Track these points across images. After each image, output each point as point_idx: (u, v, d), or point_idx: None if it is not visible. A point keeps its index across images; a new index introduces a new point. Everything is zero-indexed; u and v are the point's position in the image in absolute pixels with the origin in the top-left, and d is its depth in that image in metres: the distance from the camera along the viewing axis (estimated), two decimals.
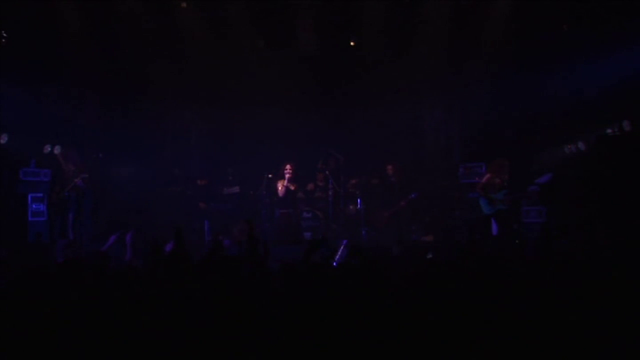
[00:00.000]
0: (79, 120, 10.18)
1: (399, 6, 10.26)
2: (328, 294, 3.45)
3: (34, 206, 9.41)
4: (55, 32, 9.68)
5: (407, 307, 3.29)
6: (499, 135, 10.51)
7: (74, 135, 9.92)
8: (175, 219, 9.57)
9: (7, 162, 9.12)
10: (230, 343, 3.03)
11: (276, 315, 3.21)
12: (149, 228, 9.16)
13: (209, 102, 11.79)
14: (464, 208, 10.35)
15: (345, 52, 11.11)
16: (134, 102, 10.96)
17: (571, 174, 9.47)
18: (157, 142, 11.35)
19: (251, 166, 11.00)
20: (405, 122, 11.46)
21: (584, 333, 3.03)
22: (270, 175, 10.31)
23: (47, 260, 7.30)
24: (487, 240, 8.89)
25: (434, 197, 10.94)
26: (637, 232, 7.36)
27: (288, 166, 9.74)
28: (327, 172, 10.51)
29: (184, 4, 10.27)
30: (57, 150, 9.67)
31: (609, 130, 8.90)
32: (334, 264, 6.13)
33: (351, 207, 10.51)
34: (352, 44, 11.08)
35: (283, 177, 9.82)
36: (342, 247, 7.62)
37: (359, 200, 10.33)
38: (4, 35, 9.11)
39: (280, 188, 9.78)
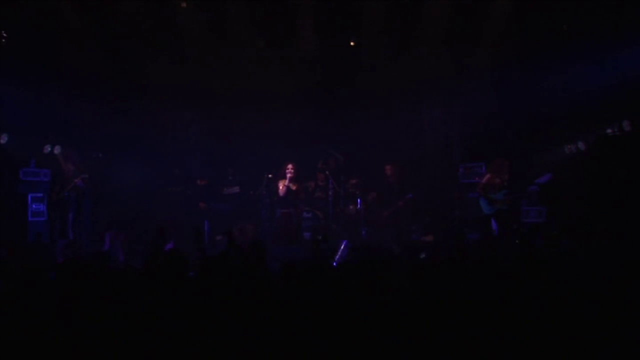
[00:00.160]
0: (79, 120, 10.18)
1: (399, 6, 10.25)
2: (328, 294, 3.45)
3: (34, 206, 9.41)
4: (55, 32, 9.67)
5: (407, 306, 3.29)
6: (499, 135, 10.51)
7: (74, 135, 9.92)
8: (175, 219, 9.58)
9: (7, 162, 9.12)
10: (230, 343, 3.03)
11: (276, 315, 3.21)
12: (148, 228, 9.17)
13: (209, 102, 11.79)
14: (464, 208, 10.35)
15: (345, 52, 11.10)
16: (134, 102, 10.95)
17: (571, 174, 9.47)
18: (157, 142, 11.35)
19: (251, 166, 10.99)
20: (405, 122, 11.44)
21: (584, 333, 3.03)
22: (270, 175, 10.31)
23: (47, 260, 7.29)
24: (487, 240, 8.89)
25: (434, 197, 10.94)
26: (637, 232, 7.37)
27: (290, 166, 9.74)
28: (327, 172, 10.51)
29: (184, 4, 10.26)
30: (57, 150, 9.67)
31: (609, 130, 8.90)
32: (334, 264, 6.13)
33: (351, 207, 10.51)
34: (352, 44, 11.08)
35: (284, 177, 9.81)
36: (342, 247, 7.62)
37: (359, 200, 10.33)
38: (4, 35, 9.11)
39: (281, 187, 9.78)
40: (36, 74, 9.37)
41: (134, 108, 10.96)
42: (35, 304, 3.35)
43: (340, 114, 11.27)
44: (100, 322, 3.11)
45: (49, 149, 9.64)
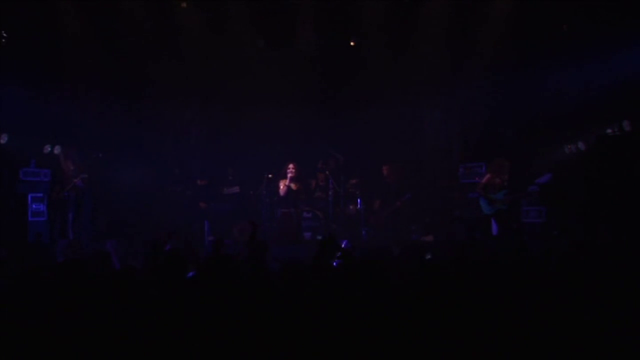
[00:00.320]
0: (79, 120, 10.17)
1: (399, 6, 10.26)
2: (328, 294, 3.45)
3: (34, 206, 9.41)
4: (55, 32, 9.68)
5: (407, 306, 3.29)
6: (499, 135, 10.51)
7: (74, 135, 9.92)
8: (175, 219, 9.59)
9: (7, 162, 9.12)
10: (230, 343, 3.03)
11: (276, 314, 3.21)
12: (149, 228, 9.18)
13: (209, 102, 11.79)
14: (464, 208, 10.35)
15: (345, 52, 11.10)
16: (134, 101, 10.96)
17: (571, 174, 9.47)
18: (157, 142, 11.35)
19: (251, 166, 11.00)
20: (405, 122, 11.44)
21: (584, 333, 3.03)
22: (270, 175, 10.31)
23: (47, 260, 7.29)
24: (487, 240, 8.89)
25: (434, 197, 10.94)
26: (637, 232, 7.36)
27: (291, 165, 9.73)
28: (327, 172, 10.51)
29: (184, 4, 10.28)
30: (57, 150, 9.68)
31: (609, 130, 8.89)
32: (334, 263, 6.12)
33: (351, 207, 10.51)
34: (352, 44, 11.08)
35: (285, 177, 9.81)
36: (342, 246, 7.61)
37: (359, 200, 10.34)
38: (4, 35, 9.11)
39: (282, 187, 9.77)
40: (36, 74, 9.37)
41: (134, 108, 10.97)
42: (35, 304, 3.35)
43: (340, 113, 11.27)
44: (100, 322, 3.11)
45: (49, 149, 9.64)
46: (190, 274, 4.20)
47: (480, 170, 10.17)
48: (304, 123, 11.28)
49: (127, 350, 2.98)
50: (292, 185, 9.73)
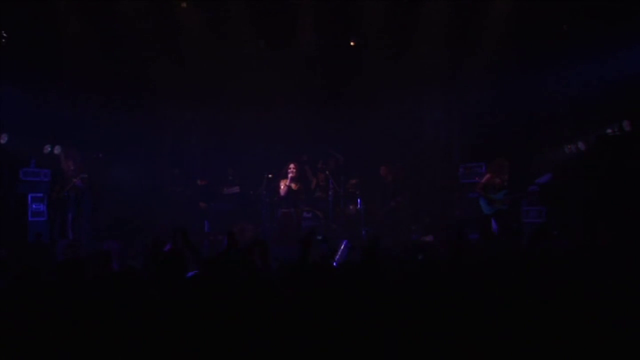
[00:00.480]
0: (79, 120, 10.18)
1: (399, 6, 10.26)
2: (328, 294, 3.45)
3: (34, 206, 9.41)
4: (55, 32, 9.67)
5: (407, 306, 3.29)
6: (499, 135, 10.51)
7: (74, 135, 9.92)
8: (175, 219, 9.58)
9: (7, 162, 9.12)
10: (230, 343, 3.03)
11: (276, 315, 3.21)
12: (148, 228, 9.17)
13: (209, 102, 11.79)
14: (464, 208, 10.35)
15: (346, 52, 11.10)
16: (134, 102, 10.96)
17: (571, 174, 9.47)
18: (157, 142, 11.36)
19: (251, 166, 11.00)
20: (405, 122, 11.45)
21: (584, 333, 3.02)
22: (270, 175, 10.32)
23: (47, 260, 7.29)
24: (487, 240, 8.89)
25: (434, 197, 10.94)
26: (637, 232, 7.36)
27: (292, 165, 9.74)
28: (327, 172, 10.52)
29: (184, 4, 10.27)
30: (57, 150, 9.68)
31: (609, 130, 8.89)
32: (334, 264, 6.13)
33: (351, 207, 10.52)
34: (352, 44, 11.08)
35: (286, 177, 9.80)
36: (342, 247, 7.61)
37: (359, 200, 10.34)
38: (4, 35, 9.11)
39: (282, 187, 9.78)
40: (36, 74, 9.37)
41: (134, 108, 10.97)
42: (35, 304, 3.35)
43: (340, 114, 11.28)
44: (100, 321, 3.11)
45: (49, 149, 9.65)
46: (190, 273, 4.20)
47: (480, 170, 10.17)
48: (303, 123, 11.28)
49: (127, 350, 2.98)
50: (293, 185, 9.75)
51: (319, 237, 8.94)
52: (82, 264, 4.12)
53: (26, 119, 9.03)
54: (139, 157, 10.82)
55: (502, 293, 3.52)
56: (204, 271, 4.15)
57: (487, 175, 9.07)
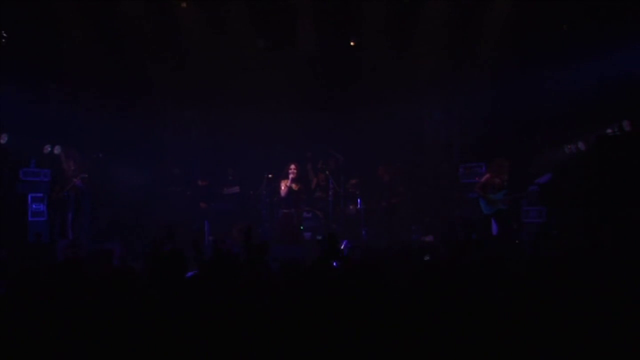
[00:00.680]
0: (79, 120, 10.18)
1: (399, 6, 10.26)
2: (328, 294, 3.44)
3: (34, 206, 9.41)
4: (55, 32, 9.67)
5: (407, 307, 3.29)
6: (499, 135, 10.51)
7: (74, 135, 9.92)
8: (175, 219, 9.58)
9: (7, 162, 9.12)
10: (230, 343, 3.03)
11: (276, 315, 3.21)
12: (148, 228, 9.17)
13: (209, 102, 11.79)
14: (464, 208, 10.35)
15: (345, 52, 11.10)
16: (134, 102, 10.96)
17: (571, 174, 9.47)
18: (157, 142, 11.35)
19: (251, 166, 11.00)
20: (405, 122, 11.45)
21: (584, 333, 3.02)
22: (270, 175, 10.31)
23: (47, 260, 7.29)
24: (487, 240, 8.89)
25: (434, 197, 10.95)
26: (638, 232, 7.35)
27: (292, 166, 9.73)
28: (327, 172, 10.52)
29: (184, 4, 10.27)
30: (57, 150, 9.68)
31: (609, 130, 8.89)
32: (334, 263, 6.13)
33: (351, 207, 10.52)
34: (352, 44, 11.08)
35: (286, 177, 9.80)
36: (342, 247, 7.62)
37: (359, 200, 10.34)
38: (4, 35, 9.11)
39: (283, 188, 9.77)
40: (36, 74, 9.37)
41: (134, 108, 10.97)
42: (35, 304, 3.35)
43: (341, 114, 11.28)
44: (101, 321, 3.11)
45: (49, 149, 9.65)
46: (190, 273, 4.20)
47: (480, 170, 10.17)
48: (303, 123, 11.28)
49: (127, 350, 2.98)
50: (293, 186, 9.73)
51: (319, 237, 8.95)
52: (82, 264, 4.12)
53: (26, 119, 9.03)
54: (139, 157, 10.82)
55: (501, 293, 3.52)
56: (202, 271, 4.15)
57: (487, 175, 9.07)
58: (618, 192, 8.04)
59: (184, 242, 7.18)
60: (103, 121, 10.57)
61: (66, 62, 9.94)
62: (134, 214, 10.16)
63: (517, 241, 8.90)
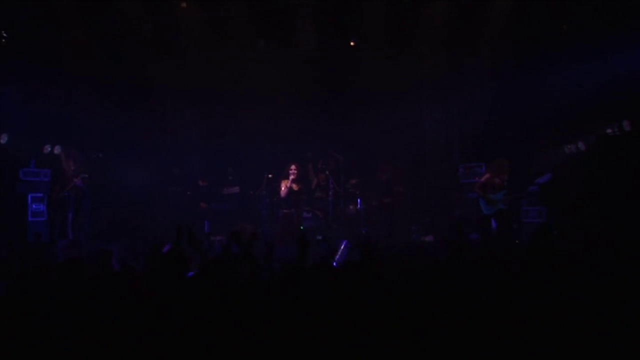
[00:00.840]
0: (79, 120, 10.18)
1: (399, 6, 10.26)
2: (328, 294, 3.45)
3: (34, 206, 9.41)
4: (55, 32, 9.67)
5: (407, 307, 3.29)
6: (499, 135, 10.52)
7: (74, 135, 9.92)
8: (175, 219, 9.58)
9: (7, 162, 9.12)
10: (230, 343, 3.03)
11: (276, 314, 3.21)
12: (149, 228, 9.17)
13: (209, 102, 11.79)
14: (464, 208, 10.36)
15: (345, 52, 11.11)
16: (134, 102, 10.97)
17: (571, 174, 9.47)
18: (157, 142, 11.36)
19: (251, 166, 11.01)
20: (405, 122, 11.46)
21: (584, 334, 3.03)
22: (270, 175, 10.32)
23: (47, 260, 7.29)
24: (487, 240, 8.89)
25: (434, 197, 10.95)
26: (637, 232, 7.36)
27: (293, 166, 9.72)
28: (327, 172, 10.52)
29: (184, 4, 10.28)
30: (57, 150, 9.68)
31: (609, 130, 8.90)
32: (334, 264, 6.14)
33: (351, 207, 10.52)
34: (352, 44, 11.08)
35: (287, 177, 9.80)
36: (342, 247, 7.61)
37: (359, 200, 10.34)
38: (4, 35, 9.11)
39: (283, 188, 9.77)
40: (36, 74, 9.37)
41: (134, 108, 10.97)
42: (35, 304, 3.35)
43: (341, 113, 11.29)
44: (101, 321, 3.11)
45: (49, 149, 9.65)
46: (190, 274, 4.20)
47: (480, 170, 10.18)
48: (303, 123, 11.29)
49: (127, 350, 2.98)
50: (294, 186, 9.73)
51: (319, 237, 8.96)
52: (82, 264, 4.12)
53: (26, 119, 9.03)
54: (139, 157, 10.82)
55: (501, 293, 3.52)
56: (204, 271, 4.14)
57: (487, 175, 9.07)
58: (618, 192, 8.05)
59: (185, 242, 7.20)
60: (103, 121, 10.57)
61: (66, 62, 9.93)
62: (134, 214, 10.17)
63: (517, 241, 8.91)
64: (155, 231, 8.10)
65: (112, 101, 10.75)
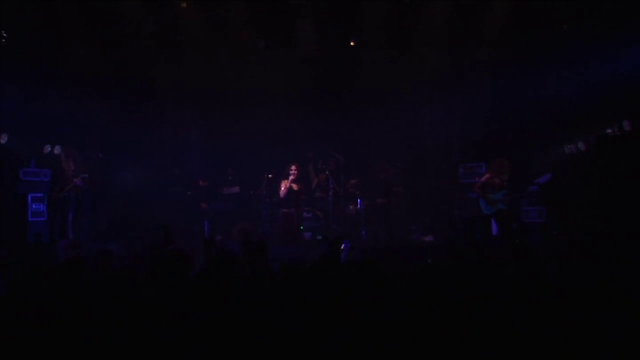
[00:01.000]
0: (79, 120, 10.18)
1: (399, 6, 10.26)
2: (328, 294, 3.45)
3: (34, 206, 9.41)
4: (55, 32, 9.67)
5: (407, 307, 3.29)
6: (499, 135, 10.51)
7: (74, 135, 9.92)
8: (175, 219, 9.58)
9: (7, 162, 9.12)
10: (230, 343, 3.03)
11: (276, 315, 3.22)
12: (149, 228, 9.17)
13: (209, 102, 11.79)
14: (464, 208, 10.35)
15: (345, 52, 11.11)
16: (134, 102, 10.96)
17: (571, 174, 9.47)
18: (157, 142, 11.36)
19: (251, 166, 11.00)
20: (405, 122, 11.45)
21: (584, 334, 3.03)
22: (270, 175, 10.31)
23: (47, 260, 7.28)
24: (487, 240, 8.89)
25: (434, 197, 10.95)
26: (637, 232, 7.36)
27: (293, 167, 9.71)
28: (327, 172, 10.52)
29: (184, 4, 10.28)
30: (57, 150, 9.68)
31: (609, 130, 8.90)
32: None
33: (351, 207, 10.52)
34: (352, 44, 11.08)
35: (287, 177, 9.79)
36: (342, 247, 7.61)
37: (359, 200, 10.34)
38: (4, 35, 9.11)
39: (283, 188, 9.76)
40: (36, 73, 9.37)
41: (134, 108, 10.97)
42: (35, 304, 3.35)
43: (341, 114, 11.28)
44: (102, 321, 3.11)
45: (49, 149, 9.65)
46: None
47: (480, 170, 10.17)
48: (303, 123, 11.28)
49: (127, 350, 2.98)
50: (293, 186, 9.71)
51: (319, 237, 8.95)
52: (82, 264, 4.12)
53: (26, 119, 9.03)
54: (139, 157, 10.82)
55: (501, 293, 3.52)
56: (208, 269, 4.15)
57: (487, 175, 9.07)
58: (618, 192, 8.05)
59: (185, 242, 7.21)
60: (103, 121, 10.57)
61: (66, 61, 9.94)
62: (134, 214, 10.16)
63: (516, 241, 8.89)
64: (156, 231, 8.09)
65: (112, 101, 10.74)
